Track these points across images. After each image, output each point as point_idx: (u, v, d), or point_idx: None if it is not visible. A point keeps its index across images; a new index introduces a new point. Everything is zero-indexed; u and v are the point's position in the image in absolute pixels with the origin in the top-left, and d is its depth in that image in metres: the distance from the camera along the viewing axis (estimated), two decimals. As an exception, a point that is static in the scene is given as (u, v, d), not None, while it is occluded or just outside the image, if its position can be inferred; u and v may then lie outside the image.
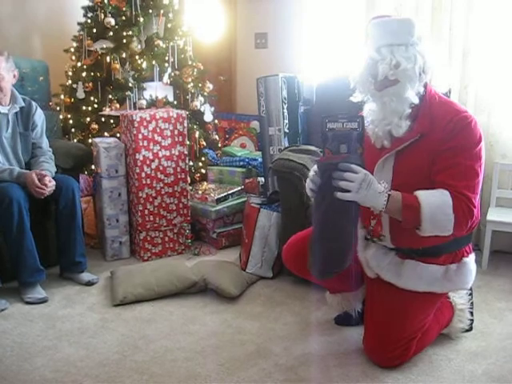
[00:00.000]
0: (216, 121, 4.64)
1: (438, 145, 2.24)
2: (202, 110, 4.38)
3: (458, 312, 2.65)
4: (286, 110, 3.69)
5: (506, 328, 2.80)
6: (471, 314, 2.69)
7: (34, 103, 3.41)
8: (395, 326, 2.38)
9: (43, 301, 3.09)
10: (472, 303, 2.72)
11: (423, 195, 2.19)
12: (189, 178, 3.85)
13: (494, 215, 3.47)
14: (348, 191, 2.09)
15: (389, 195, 2.17)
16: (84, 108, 4.15)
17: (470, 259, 2.48)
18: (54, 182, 3.15)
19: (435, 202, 2.16)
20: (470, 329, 2.70)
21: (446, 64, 2.41)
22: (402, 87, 2.25)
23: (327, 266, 2.28)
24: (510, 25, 3.52)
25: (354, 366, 2.46)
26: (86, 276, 3.33)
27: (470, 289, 2.66)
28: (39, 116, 3.41)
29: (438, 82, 2.35)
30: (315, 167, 2.29)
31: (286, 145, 3.65)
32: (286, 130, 3.70)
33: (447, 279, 2.41)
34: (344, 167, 2.09)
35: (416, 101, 2.28)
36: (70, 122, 4.19)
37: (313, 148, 3.37)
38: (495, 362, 2.49)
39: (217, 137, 4.64)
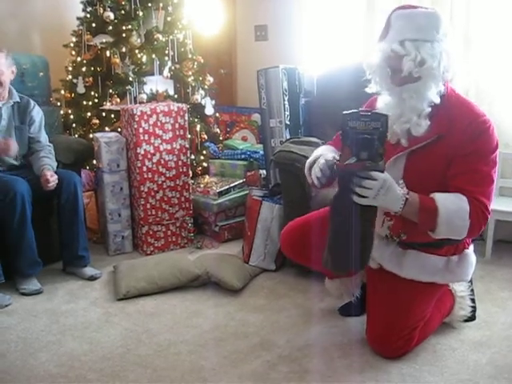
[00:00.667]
0: (217, 114, 4.63)
1: (456, 149, 2.20)
2: (202, 103, 4.37)
3: (458, 299, 2.65)
4: (286, 102, 3.68)
5: (510, 317, 2.79)
6: (472, 301, 2.69)
7: (32, 101, 3.43)
8: (397, 316, 2.38)
9: (38, 292, 3.11)
10: (472, 290, 2.72)
11: (441, 199, 2.18)
12: (190, 172, 3.84)
13: (497, 205, 3.44)
14: (365, 197, 2.09)
15: (406, 199, 2.16)
16: (84, 103, 4.14)
17: (471, 251, 2.50)
18: (55, 176, 3.16)
19: (453, 207, 2.16)
20: (473, 317, 2.70)
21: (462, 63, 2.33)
22: (424, 85, 2.21)
23: (345, 264, 2.24)
24: (511, 12, 3.50)
25: (357, 356, 2.46)
26: (89, 270, 3.33)
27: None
28: (37, 112, 3.42)
29: (458, 81, 2.32)
30: (328, 158, 2.27)
31: (288, 137, 3.64)
32: (288, 122, 3.69)
33: (449, 270, 2.42)
34: (363, 175, 2.08)
35: (437, 100, 2.23)
36: (71, 117, 4.18)
37: (314, 139, 3.36)
38: (499, 351, 2.48)
39: (218, 130, 4.63)
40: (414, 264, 2.40)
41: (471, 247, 2.51)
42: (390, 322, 2.39)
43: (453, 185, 2.22)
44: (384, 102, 2.34)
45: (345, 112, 2.13)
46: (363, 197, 2.09)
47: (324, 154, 2.36)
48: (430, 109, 2.24)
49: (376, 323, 2.46)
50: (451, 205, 2.17)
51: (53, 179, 3.13)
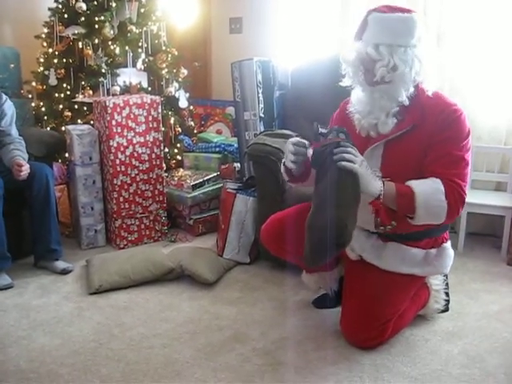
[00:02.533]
0: (191, 107, 4.60)
1: (430, 136, 2.28)
2: (176, 96, 4.35)
3: (433, 293, 2.68)
4: (261, 95, 3.67)
5: (482, 308, 2.83)
6: (446, 294, 2.72)
7: (3, 94, 3.35)
8: (372, 306, 2.40)
9: (8, 287, 3.07)
10: (447, 284, 2.75)
11: (415, 183, 2.24)
12: (164, 165, 3.82)
13: (470, 197, 3.42)
14: (351, 162, 2.13)
15: (383, 182, 2.22)
16: (56, 95, 4.08)
17: (449, 245, 2.56)
18: (27, 166, 3.09)
19: (428, 189, 2.22)
20: (447, 309, 2.73)
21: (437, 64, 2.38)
22: (395, 88, 2.29)
23: (327, 247, 2.10)
24: (484, 9, 3.53)
25: (331, 349, 2.46)
26: (60, 264, 3.29)
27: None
28: (9, 106, 3.34)
29: (430, 81, 2.34)
30: (294, 141, 2.34)
31: (262, 129, 3.63)
32: (262, 115, 3.68)
33: (427, 263, 2.48)
34: (346, 144, 2.17)
35: (406, 102, 2.30)
36: (43, 109, 4.12)
37: (288, 132, 3.35)
38: (471, 342, 2.51)
39: (192, 123, 4.60)
40: (395, 256, 2.45)
41: (449, 242, 2.57)
42: (365, 313, 2.40)
43: (428, 170, 2.28)
44: (357, 96, 2.41)
45: (315, 122, 2.24)
46: (350, 162, 2.12)
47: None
48: (397, 108, 2.31)
49: (351, 312, 2.47)
50: (427, 187, 2.23)
51: (25, 168, 3.07)
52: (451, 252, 2.56)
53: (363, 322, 2.41)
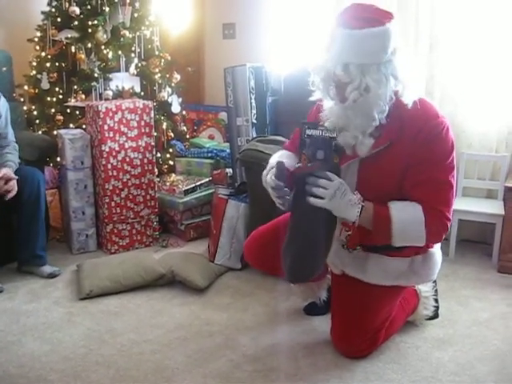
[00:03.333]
0: (184, 112, 4.60)
1: (409, 157, 2.13)
2: (169, 101, 4.35)
3: (423, 299, 2.68)
4: (253, 101, 3.67)
5: (472, 315, 2.83)
6: (436, 301, 2.72)
7: None
8: (362, 319, 2.37)
9: None
10: (436, 290, 2.74)
11: (395, 209, 2.13)
12: (156, 170, 3.82)
13: (461, 205, 3.50)
14: (321, 198, 2.05)
15: (362, 206, 2.13)
16: (49, 99, 4.07)
17: (436, 249, 2.43)
18: (14, 181, 3.05)
19: (407, 219, 2.13)
20: (436, 316, 2.73)
21: (417, 76, 2.21)
22: (370, 108, 2.10)
23: (299, 273, 2.25)
24: (476, 17, 3.55)
25: (322, 355, 2.47)
26: (47, 268, 3.27)
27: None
28: (3, 105, 3.31)
29: (410, 91, 2.15)
30: (272, 162, 2.26)
31: (254, 135, 3.63)
32: (254, 121, 3.69)
33: (413, 272, 2.36)
34: (319, 174, 2.06)
35: (383, 121, 2.13)
36: (35, 113, 4.11)
37: (281, 138, 3.36)
38: (461, 349, 2.52)
39: (185, 128, 4.60)
40: (377, 268, 2.34)
41: (437, 246, 2.44)
42: (354, 325, 2.38)
43: (410, 196, 2.16)
44: (329, 108, 2.22)
45: (304, 122, 2.15)
46: (320, 198, 2.05)
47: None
48: (374, 128, 2.14)
49: (340, 326, 2.45)
50: (406, 215, 2.13)
51: (12, 184, 3.02)
52: (438, 257, 2.44)
53: (353, 335, 2.39)
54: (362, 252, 2.37)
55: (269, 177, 2.25)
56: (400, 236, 2.15)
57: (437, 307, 2.72)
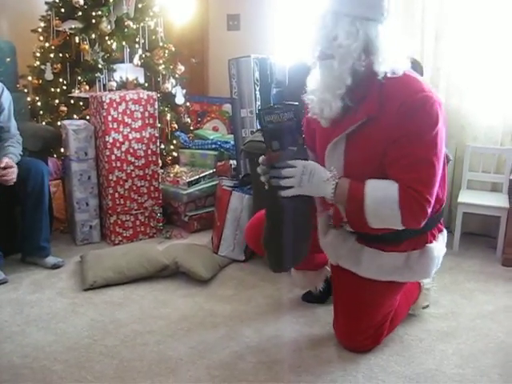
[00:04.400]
0: (188, 103, 4.59)
1: (391, 130, 2.02)
2: (173, 92, 4.33)
3: (424, 291, 2.68)
4: (258, 92, 3.66)
5: (476, 308, 2.82)
6: (434, 291, 2.76)
7: (0, 84, 3.31)
8: (363, 315, 2.36)
9: (2, 282, 3.05)
10: (434, 281, 2.76)
11: (370, 187, 2.05)
12: (160, 161, 3.80)
13: (465, 197, 3.49)
14: (290, 187, 2.03)
15: (336, 183, 2.07)
16: (52, 90, 4.06)
17: (435, 245, 2.30)
18: (15, 169, 3.05)
19: (380, 196, 2.02)
20: (428, 305, 2.74)
21: (407, 48, 2.16)
22: (337, 64, 2.02)
23: (283, 262, 2.27)
24: (482, 8, 3.52)
25: (326, 347, 2.46)
26: (51, 259, 3.28)
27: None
28: (6, 98, 3.30)
29: (394, 66, 2.05)
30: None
31: (259, 127, 3.62)
32: (259, 112, 3.67)
33: (408, 267, 2.25)
34: (280, 165, 2.03)
35: (348, 82, 2.03)
36: (38, 104, 4.09)
37: (285, 130, 3.34)
38: (465, 342, 2.51)
39: (188, 120, 4.59)
40: (372, 263, 2.26)
41: (441, 237, 2.35)
42: (357, 321, 2.36)
43: (388, 174, 2.06)
44: (314, 80, 2.18)
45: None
46: (288, 188, 2.03)
47: None
48: (344, 90, 2.05)
49: (343, 320, 2.43)
50: (379, 193, 2.03)
51: (12, 170, 3.02)
52: (437, 253, 2.30)
53: (356, 331, 2.37)
54: (357, 244, 2.30)
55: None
56: (373, 215, 2.06)
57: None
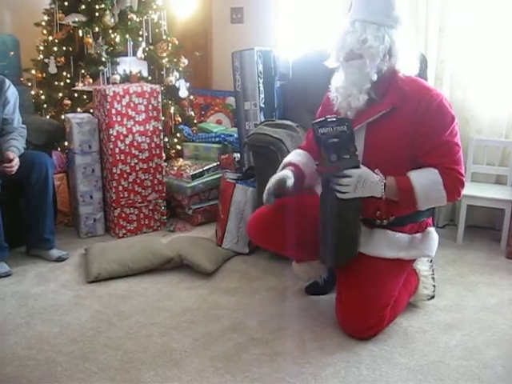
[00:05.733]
0: (191, 97, 4.59)
1: (413, 123, 2.35)
2: (177, 85, 4.33)
3: (422, 279, 2.74)
4: (261, 85, 3.65)
5: (480, 300, 2.82)
6: (433, 279, 2.79)
7: (7, 80, 3.31)
8: (368, 294, 2.42)
9: (7, 274, 3.07)
10: (433, 270, 2.82)
11: (415, 177, 2.35)
12: (164, 154, 3.81)
13: (469, 190, 3.48)
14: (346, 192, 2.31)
15: (384, 184, 2.33)
16: (56, 83, 4.07)
17: (433, 229, 2.63)
18: (17, 160, 3.07)
19: (427, 183, 2.34)
20: (433, 296, 2.78)
21: (417, 53, 2.47)
22: (365, 63, 2.35)
23: (341, 256, 2.44)
24: (486, 1, 3.51)
25: (329, 339, 2.47)
26: (55, 252, 3.29)
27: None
28: (12, 92, 3.31)
29: (407, 67, 2.42)
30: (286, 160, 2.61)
31: (262, 120, 3.61)
32: (262, 105, 3.66)
33: (413, 246, 2.53)
34: (339, 174, 2.30)
35: (374, 78, 2.36)
36: (42, 97, 4.12)
37: (289, 122, 3.35)
38: (469, 334, 2.51)
39: (192, 113, 4.59)
40: (381, 241, 2.50)
41: (433, 227, 2.64)
42: (362, 301, 2.42)
43: (425, 162, 2.37)
44: (336, 78, 2.48)
45: (314, 122, 2.33)
46: (345, 192, 2.30)
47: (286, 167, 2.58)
48: (369, 85, 2.37)
49: (348, 303, 2.48)
50: (425, 181, 2.34)
51: (14, 162, 3.04)
52: (435, 235, 2.61)
53: (361, 310, 2.42)
54: (366, 228, 2.50)
55: (269, 185, 2.48)
56: (424, 200, 2.36)
57: (434, 286, 2.78)
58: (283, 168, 2.60)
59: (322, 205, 2.42)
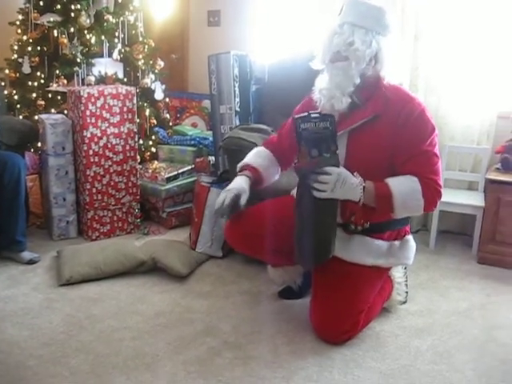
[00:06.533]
0: (167, 99, 4.57)
1: (394, 133, 2.35)
2: (152, 87, 4.31)
3: (396, 285, 2.76)
4: (237, 89, 3.65)
5: (451, 305, 2.86)
6: (406, 286, 2.82)
7: None
8: (345, 300, 2.42)
9: None
10: (407, 276, 2.84)
11: (394, 184, 2.33)
12: (138, 157, 3.79)
13: (442, 196, 3.51)
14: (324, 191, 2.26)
15: (363, 187, 2.31)
16: (30, 83, 4.03)
17: (411, 237, 2.64)
18: None
19: (406, 190, 2.33)
20: (405, 301, 2.81)
21: (400, 62, 2.52)
22: (350, 65, 2.35)
23: (316, 257, 2.41)
24: (460, 9, 3.57)
25: (302, 343, 2.47)
26: (27, 254, 3.25)
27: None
28: None
29: (391, 75, 2.43)
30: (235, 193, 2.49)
31: (237, 123, 3.62)
32: (238, 109, 3.67)
33: (391, 254, 2.53)
34: (318, 171, 2.25)
35: (357, 81, 2.37)
36: (15, 97, 4.07)
37: (264, 127, 3.35)
38: (440, 338, 2.54)
39: (168, 115, 4.57)
40: (360, 248, 2.49)
41: (411, 235, 2.65)
42: (338, 306, 2.43)
43: (404, 170, 2.36)
44: (321, 80, 2.47)
45: (296, 116, 2.29)
46: (322, 191, 2.25)
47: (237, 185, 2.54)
48: (352, 88, 2.37)
49: (323, 308, 2.48)
50: (405, 188, 2.33)
51: None
52: (413, 244, 2.63)
53: (336, 315, 2.43)
54: (345, 234, 2.49)
55: (223, 197, 2.49)
56: (401, 208, 2.35)
57: (407, 293, 2.82)
58: (241, 169, 2.63)
59: (297, 205, 2.39)
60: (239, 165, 2.67)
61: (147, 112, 4.22)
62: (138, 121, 3.77)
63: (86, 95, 3.43)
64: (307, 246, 2.37)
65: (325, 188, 2.25)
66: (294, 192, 2.54)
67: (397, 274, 2.77)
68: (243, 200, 2.47)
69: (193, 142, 4.23)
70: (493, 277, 3.20)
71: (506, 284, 3.11)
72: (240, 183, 2.54)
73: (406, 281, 2.82)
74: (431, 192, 2.34)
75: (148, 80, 4.25)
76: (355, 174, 2.32)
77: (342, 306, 2.42)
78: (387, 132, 2.35)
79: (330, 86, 2.40)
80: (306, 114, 2.26)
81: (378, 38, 2.36)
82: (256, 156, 2.68)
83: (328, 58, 2.41)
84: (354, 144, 2.40)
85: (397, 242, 2.56)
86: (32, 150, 3.96)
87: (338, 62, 2.38)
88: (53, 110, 3.93)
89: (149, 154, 4.27)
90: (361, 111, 2.40)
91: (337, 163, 2.28)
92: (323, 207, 2.31)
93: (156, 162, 4.20)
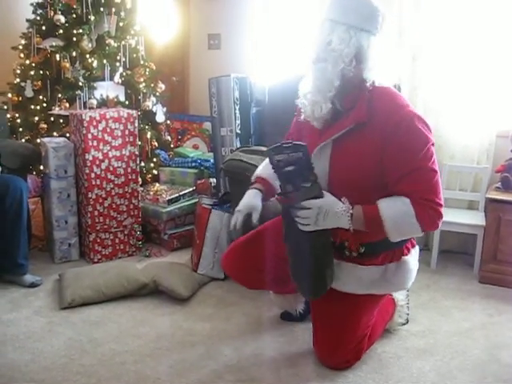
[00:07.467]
0: (168, 121, 4.60)
1: (382, 142, 2.13)
2: (154, 110, 4.35)
3: (398, 308, 2.72)
4: (238, 111, 3.69)
5: (453, 325, 2.85)
6: (408, 308, 2.78)
7: None
8: (343, 329, 2.38)
9: None
10: (408, 299, 2.80)
11: (384, 208, 2.14)
12: (140, 179, 3.80)
13: (443, 216, 3.52)
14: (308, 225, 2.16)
15: (351, 214, 2.15)
16: (32, 107, 4.06)
17: (410, 258, 2.39)
18: None
19: (397, 214, 2.13)
20: (406, 322, 2.78)
21: (395, 65, 2.31)
22: (327, 67, 2.16)
23: (313, 292, 2.34)
24: (458, 32, 3.61)
25: (304, 365, 2.47)
26: (29, 278, 3.25)
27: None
28: None
29: (382, 79, 2.23)
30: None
31: (238, 146, 3.64)
32: (238, 131, 3.70)
33: (385, 280, 2.34)
34: (297, 206, 2.15)
35: (336, 84, 2.17)
36: (18, 121, 4.09)
37: (264, 149, 3.36)
38: (442, 359, 2.53)
39: (169, 138, 4.60)
40: (351, 277, 2.34)
41: (413, 252, 2.42)
42: (338, 337, 2.38)
43: (397, 191, 2.15)
44: (308, 85, 2.28)
45: (269, 148, 2.18)
46: (306, 225, 2.16)
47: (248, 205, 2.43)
48: (334, 93, 2.19)
49: (323, 338, 2.45)
50: (395, 212, 2.13)
51: None
52: (412, 265, 2.39)
53: (338, 345, 2.39)
54: (336, 260, 2.34)
55: (234, 219, 2.41)
56: (394, 233, 2.17)
57: (407, 314, 2.79)
58: (253, 182, 2.53)
59: (286, 238, 2.32)
60: (252, 178, 2.57)
61: (148, 134, 4.25)
62: (139, 143, 3.79)
63: (87, 118, 3.46)
64: (303, 280, 2.31)
65: (307, 222, 2.15)
66: None
67: (399, 296, 2.72)
68: (255, 218, 2.35)
69: (194, 164, 4.25)
70: (495, 296, 3.20)
71: (508, 303, 3.10)
72: (250, 200, 2.43)
73: (408, 303, 2.79)
74: (428, 214, 2.11)
75: (149, 103, 4.29)
76: (343, 199, 2.17)
77: (342, 335, 2.37)
78: (372, 141, 2.14)
79: (313, 89, 2.23)
80: (278, 144, 2.15)
81: (360, 36, 2.12)
82: (266, 167, 2.47)
83: (312, 59, 2.23)
84: (338, 154, 2.23)
85: (392, 265, 2.34)
86: (34, 173, 3.98)
87: (319, 64, 2.19)
88: (55, 134, 3.96)
89: (150, 176, 4.29)
90: (343, 119, 2.21)
91: (318, 193, 2.16)
92: (312, 238, 2.21)
93: (157, 184, 4.22)
